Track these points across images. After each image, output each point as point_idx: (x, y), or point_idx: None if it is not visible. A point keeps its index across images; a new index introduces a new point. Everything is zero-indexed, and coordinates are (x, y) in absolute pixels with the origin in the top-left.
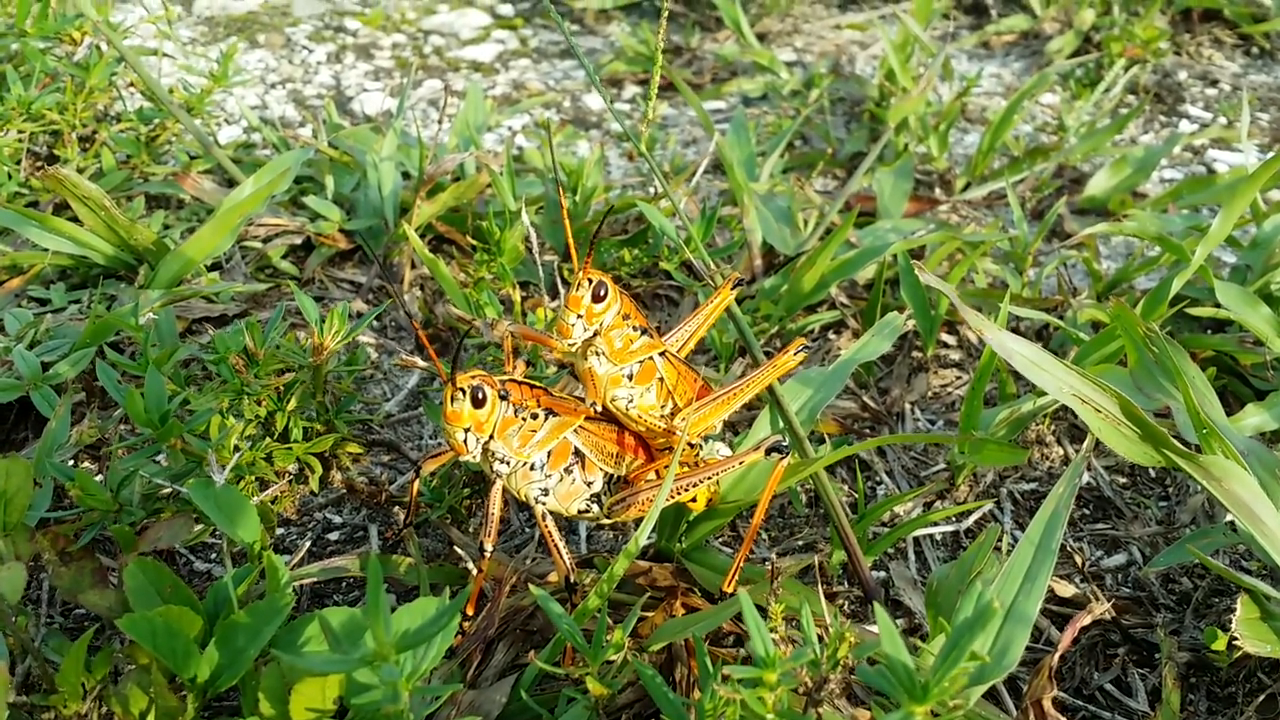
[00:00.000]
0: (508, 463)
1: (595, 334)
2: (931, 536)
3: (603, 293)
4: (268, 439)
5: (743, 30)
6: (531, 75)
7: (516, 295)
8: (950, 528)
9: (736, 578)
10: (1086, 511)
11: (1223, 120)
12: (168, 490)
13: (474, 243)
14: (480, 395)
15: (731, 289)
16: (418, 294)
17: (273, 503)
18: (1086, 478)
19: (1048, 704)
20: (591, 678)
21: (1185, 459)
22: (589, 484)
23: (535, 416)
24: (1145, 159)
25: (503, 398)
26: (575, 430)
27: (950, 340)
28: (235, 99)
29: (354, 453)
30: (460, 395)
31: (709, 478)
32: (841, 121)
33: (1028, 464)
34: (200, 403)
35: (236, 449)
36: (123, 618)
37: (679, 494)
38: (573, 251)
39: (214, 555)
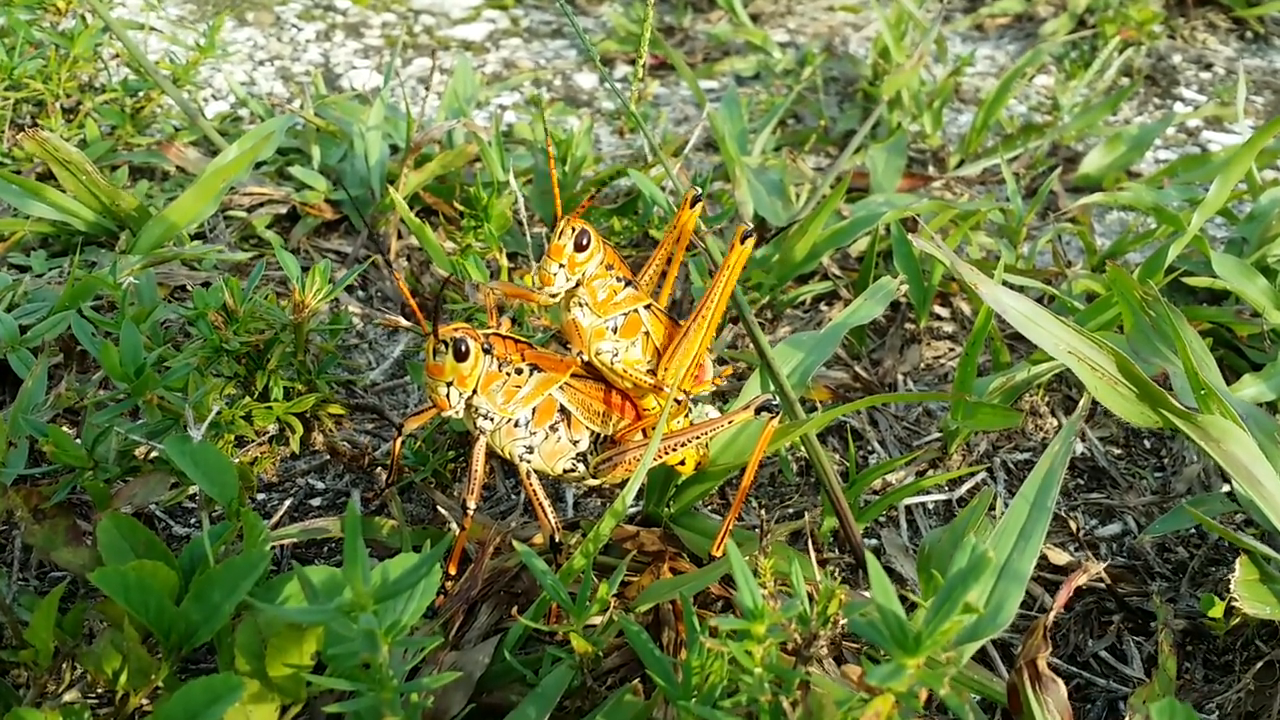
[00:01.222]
0: (491, 419)
1: (578, 284)
2: (924, 505)
3: (585, 241)
4: (247, 398)
5: (736, 10)
6: (522, 54)
7: (504, 260)
8: (943, 496)
9: (725, 541)
10: (1081, 481)
11: (1194, 108)
12: (145, 449)
13: (461, 208)
14: (463, 348)
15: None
16: (404, 264)
17: (252, 464)
18: (1080, 448)
19: (1042, 664)
20: (576, 635)
21: (1183, 419)
22: (575, 443)
23: (520, 372)
24: (1140, 137)
25: (486, 351)
26: (561, 387)
27: (943, 313)
28: (224, 75)
29: (336, 414)
30: (443, 348)
31: (698, 437)
32: (834, 101)
33: (1021, 434)
34: (177, 360)
35: (215, 408)
36: (95, 571)
37: (667, 454)
38: (557, 199)
39: (194, 520)
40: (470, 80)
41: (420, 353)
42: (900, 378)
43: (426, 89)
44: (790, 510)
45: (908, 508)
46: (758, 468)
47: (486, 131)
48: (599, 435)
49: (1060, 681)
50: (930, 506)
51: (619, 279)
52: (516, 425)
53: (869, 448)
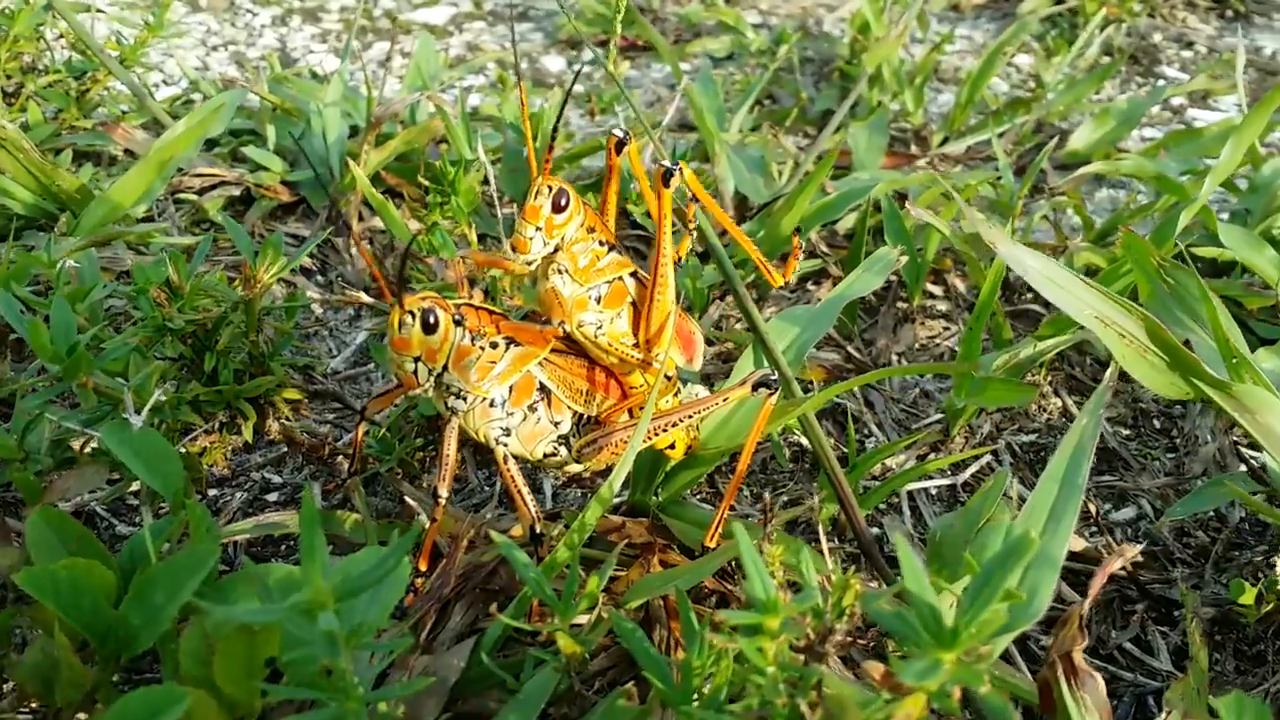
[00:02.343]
0: (464, 398)
1: (556, 249)
2: (926, 490)
3: (564, 202)
4: (194, 382)
5: None
6: (487, 38)
7: (473, 235)
8: (946, 481)
9: (720, 531)
10: (1091, 464)
11: (1180, 84)
12: (81, 440)
13: (426, 183)
14: (432, 319)
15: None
16: (366, 247)
17: (200, 455)
18: None
19: (1078, 657)
20: (563, 634)
21: (1217, 389)
22: (555, 424)
23: (495, 346)
24: (1129, 111)
25: (457, 323)
26: (540, 363)
27: (936, 290)
28: (175, 58)
29: (293, 400)
30: (409, 319)
31: (690, 417)
32: (810, 81)
33: (1025, 415)
34: (115, 341)
35: (158, 393)
36: (21, 571)
37: (656, 435)
38: (531, 156)
39: (138, 518)
40: (433, 59)
41: (384, 332)
42: (895, 357)
43: (386, 71)
44: (785, 498)
45: (910, 494)
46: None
47: (452, 107)
48: (582, 416)
49: (1098, 676)
50: (933, 492)
51: (601, 243)
52: (492, 405)
53: (866, 431)
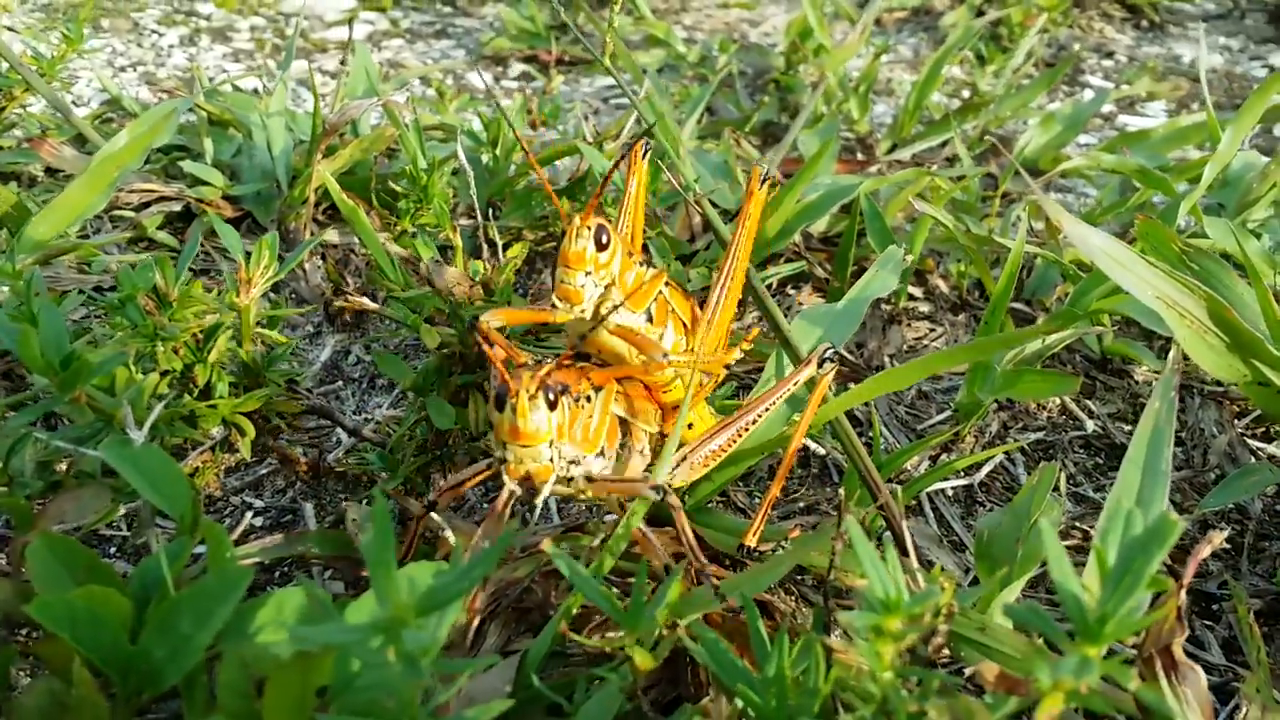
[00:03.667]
0: (578, 461)
1: (608, 287)
2: (944, 492)
3: (605, 239)
4: (186, 397)
5: (637, 2)
6: (408, 55)
7: (458, 239)
8: (963, 482)
9: (760, 530)
10: (1100, 460)
11: (1127, 87)
12: (68, 462)
13: (397, 188)
14: (551, 397)
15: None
16: (319, 264)
17: (192, 475)
18: (1091, 425)
19: (1178, 650)
20: (636, 649)
21: (1278, 369)
22: (642, 453)
23: (589, 400)
24: (1074, 116)
25: (563, 391)
26: (616, 398)
27: (917, 292)
28: (86, 81)
29: (289, 412)
30: (539, 400)
31: (766, 409)
32: (746, 94)
33: (1028, 413)
34: (100, 354)
35: (155, 408)
36: (33, 602)
37: (740, 436)
38: (547, 187)
39: (112, 549)
40: (372, 67)
41: (351, 354)
42: (887, 360)
43: (343, 76)
44: (800, 504)
45: (930, 495)
46: (779, 453)
47: (406, 108)
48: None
49: (1199, 669)
50: (950, 493)
51: (639, 262)
52: (600, 455)
53: (866, 435)
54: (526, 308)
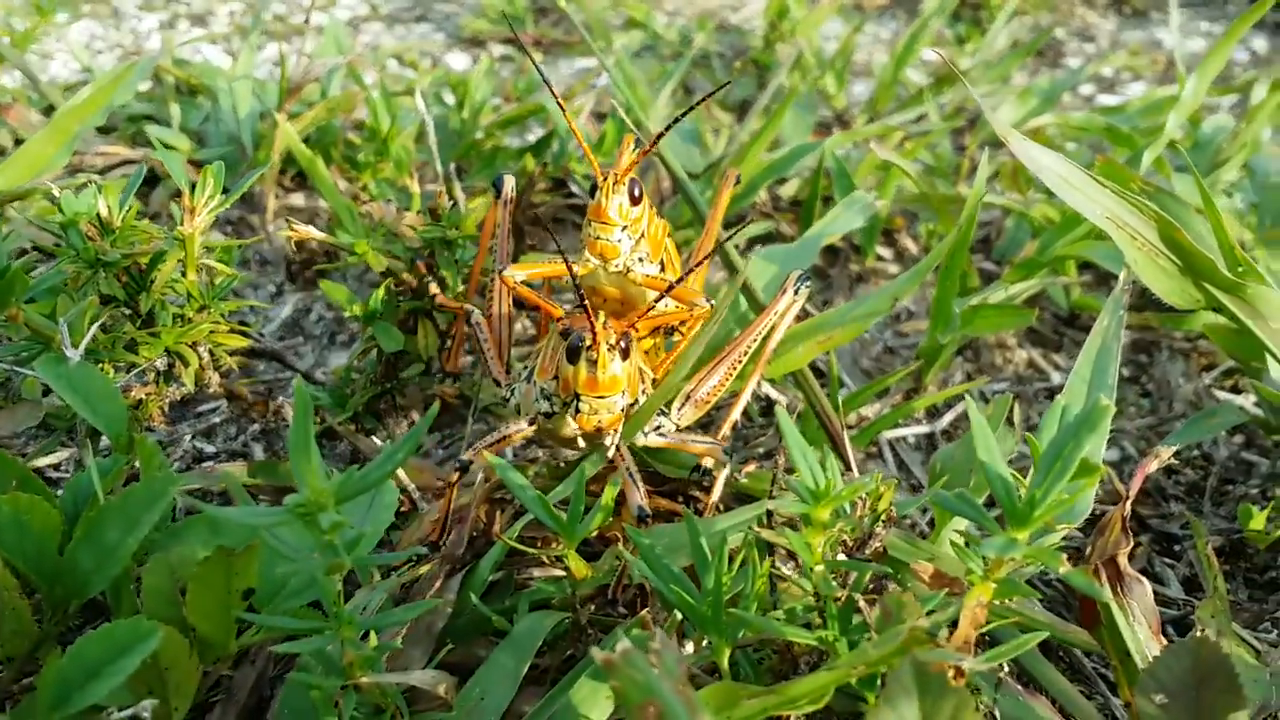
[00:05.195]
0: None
1: (638, 240)
2: (905, 439)
3: (637, 191)
4: (128, 325)
5: None
6: (387, 38)
7: (415, 186)
8: (924, 429)
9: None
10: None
11: (1107, 70)
12: (3, 378)
13: (355, 140)
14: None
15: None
16: (284, 225)
17: (135, 408)
18: (1058, 378)
19: (1123, 561)
20: (572, 556)
21: (1230, 292)
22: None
23: (626, 351)
24: (1050, 91)
25: (624, 351)
26: (637, 343)
27: (886, 253)
28: (61, 63)
29: (235, 347)
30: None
31: (755, 341)
32: (724, 73)
33: (994, 367)
34: (42, 281)
35: (91, 331)
36: None
37: (734, 370)
38: (589, 154)
39: (62, 467)
40: (343, 38)
41: (312, 310)
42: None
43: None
44: (760, 450)
45: (891, 443)
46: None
47: (372, 70)
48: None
49: (1145, 581)
50: (911, 440)
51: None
52: (634, 405)
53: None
54: (546, 260)
